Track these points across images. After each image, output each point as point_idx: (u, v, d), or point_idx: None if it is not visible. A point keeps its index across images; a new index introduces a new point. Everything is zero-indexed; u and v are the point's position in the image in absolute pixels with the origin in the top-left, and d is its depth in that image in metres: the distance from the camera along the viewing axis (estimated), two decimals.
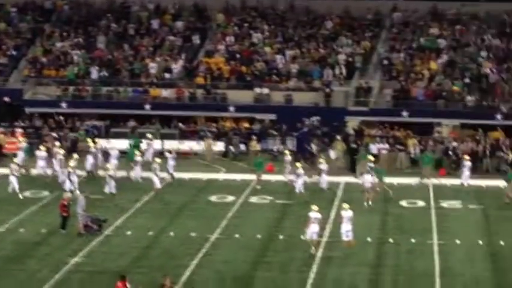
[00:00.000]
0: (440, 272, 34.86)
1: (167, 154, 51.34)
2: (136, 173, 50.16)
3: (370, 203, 44.64)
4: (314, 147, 55.30)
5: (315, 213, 36.23)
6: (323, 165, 49.15)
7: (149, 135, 55.78)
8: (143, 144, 55.21)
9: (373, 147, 54.96)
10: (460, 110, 59.77)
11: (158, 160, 48.94)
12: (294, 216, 42.41)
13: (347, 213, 37.00)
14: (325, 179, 48.70)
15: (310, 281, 32.24)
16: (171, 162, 49.84)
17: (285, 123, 59.49)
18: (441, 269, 35.18)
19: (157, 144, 56.38)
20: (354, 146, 54.52)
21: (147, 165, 50.11)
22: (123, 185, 48.32)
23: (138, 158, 50.51)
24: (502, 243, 38.79)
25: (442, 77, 62.16)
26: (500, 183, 48.75)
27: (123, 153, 53.20)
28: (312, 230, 36.37)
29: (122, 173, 50.26)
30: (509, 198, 45.89)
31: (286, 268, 34.50)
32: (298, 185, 47.03)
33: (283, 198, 46.73)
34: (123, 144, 55.62)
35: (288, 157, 50.80)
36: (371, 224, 41.71)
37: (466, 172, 50.15)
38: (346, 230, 36.27)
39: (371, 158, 49.83)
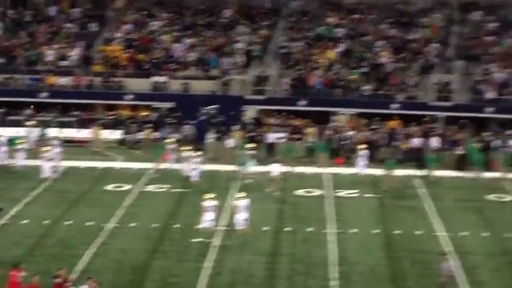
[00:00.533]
0: (337, 260, 34.97)
1: (54, 142, 50.86)
2: (18, 160, 49.71)
3: (275, 192, 44.80)
4: (211, 136, 55.22)
5: (209, 202, 36.44)
6: (189, 154, 48.74)
7: (30, 123, 55.86)
8: (25, 132, 54.88)
9: (271, 136, 54.84)
10: (357, 99, 59.97)
11: (47, 148, 48.53)
12: (191, 204, 42.08)
13: (243, 201, 37.08)
14: (192, 168, 47.77)
15: (206, 269, 32.25)
16: (57, 150, 49.19)
17: (183, 111, 59.35)
18: (337, 258, 35.44)
19: (54, 132, 55.75)
20: (252, 134, 54.43)
21: (35, 153, 49.67)
22: (18, 173, 48.15)
23: (20, 146, 49.92)
24: (397, 231, 39.26)
25: (339, 66, 62.39)
26: (396, 172, 49.20)
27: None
28: (207, 218, 36.57)
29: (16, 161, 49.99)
30: (389, 186, 46.85)
31: (183, 257, 34.65)
32: (194, 174, 46.83)
33: (179, 186, 46.47)
34: (20, 132, 55.11)
35: (173, 145, 50.83)
36: (267, 213, 41.73)
37: (362, 161, 50.43)
38: (242, 219, 36.40)
39: (250, 146, 50.11)
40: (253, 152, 49.66)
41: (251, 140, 53.19)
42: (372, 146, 52.74)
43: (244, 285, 31.37)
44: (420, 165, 50.58)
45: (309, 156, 53.44)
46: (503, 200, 45.75)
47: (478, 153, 51.62)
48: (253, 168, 47.99)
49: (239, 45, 64.38)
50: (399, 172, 48.87)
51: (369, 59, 63.80)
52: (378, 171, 48.59)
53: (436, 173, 49.91)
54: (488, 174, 50.30)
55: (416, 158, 52.18)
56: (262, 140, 54.41)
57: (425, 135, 55.02)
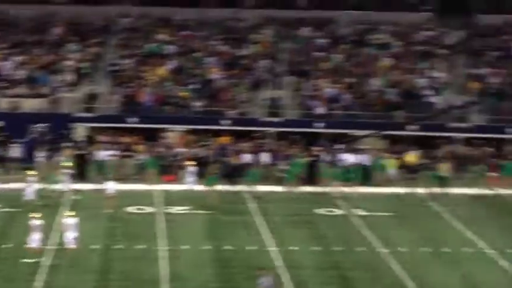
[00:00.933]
0: (169, 277, 35.05)
1: None
2: None
3: (109, 209, 44.53)
4: (41, 155, 54.42)
5: (36, 221, 36.12)
6: (30, 177, 47.54)
7: None
8: None
9: (102, 154, 54.32)
10: (188, 115, 60.16)
11: None
12: (23, 224, 40.67)
13: (71, 220, 36.86)
14: (32, 189, 46.79)
15: None
16: None
17: (12, 130, 57.78)
18: (169, 274, 35.40)
19: None
20: (82, 152, 53.93)
21: None
22: None
23: None
24: (229, 247, 39.47)
25: (170, 82, 62.73)
26: (231, 188, 50.25)
27: None
28: (35, 238, 36.18)
29: None
30: (211, 202, 46.97)
31: (13, 277, 34.00)
32: (28, 192, 45.86)
33: (8, 206, 45.23)
34: None
35: None
36: (98, 231, 41.37)
37: (191, 177, 50.38)
38: (72, 237, 36.08)
39: (66, 164, 49.74)
40: (69, 170, 49.01)
41: (80, 158, 52.74)
42: (201, 162, 52.87)
43: None
44: (246, 181, 50.97)
45: (140, 173, 53.34)
46: (333, 214, 46.37)
47: (298, 167, 52.60)
48: (62, 186, 47.59)
49: (69, 63, 63.59)
50: (227, 187, 49.71)
51: (200, 76, 64.05)
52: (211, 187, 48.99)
53: (264, 188, 50.38)
54: (318, 189, 50.95)
55: (245, 173, 52.61)
56: (91, 157, 53.82)
57: (256, 150, 55.47)
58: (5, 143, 56.62)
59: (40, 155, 54.47)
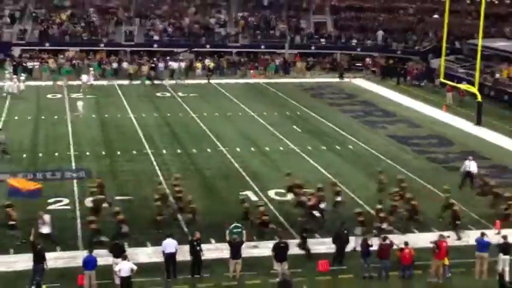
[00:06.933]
0: (71, 133, 34.24)
1: None
2: None
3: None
4: None
5: None
6: None
7: None
8: None
9: (29, 64, 51.20)
10: (76, 41, 56.61)
11: None
12: None
13: None
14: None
15: None
16: None
17: None
18: (72, 132, 34.54)
19: None
20: (18, 62, 50.42)
21: None
22: None
23: None
24: (106, 116, 38.78)
25: (68, 23, 58.64)
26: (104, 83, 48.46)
27: None
28: None
29: None
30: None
31: None
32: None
33: None
34: None
35: None
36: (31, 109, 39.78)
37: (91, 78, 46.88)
38: None
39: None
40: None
41: (16, 66, 49.04)
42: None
43: None
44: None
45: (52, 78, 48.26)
46: (165, 96, 45.56)
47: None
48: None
49: (6, 12, 58.88)
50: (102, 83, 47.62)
51: (84, 19, 59.77)
52: None
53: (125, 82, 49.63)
54: (157, 82, 48.95)
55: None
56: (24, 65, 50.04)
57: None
58: None
59: None
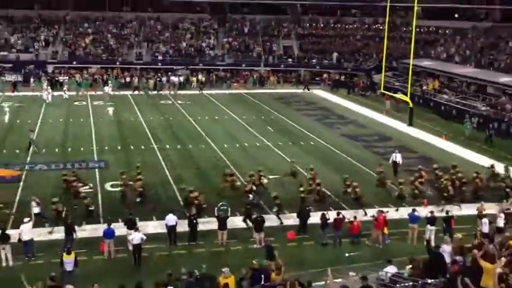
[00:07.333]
0: (94, 131, 33.94)
1: None
2: None
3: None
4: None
5: None
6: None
7: None
8: None
9: None
10: None
11: None
12: None
13: None
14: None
15: None
16: None
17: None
18: (94, 128, 34.50)
19: None
20: None
21: None
22: None
23: None
24: (122, 119, 37.85)
25: None
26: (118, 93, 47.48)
27: None
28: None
29: None
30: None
31: None
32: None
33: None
34: None
35: None
36: (62, 112, 39.21)
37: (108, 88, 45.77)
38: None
39: None
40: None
41: None
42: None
43: None
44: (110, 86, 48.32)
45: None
46: (167, 103, 44.39)
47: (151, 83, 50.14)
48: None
49: None
50: (116, 93, 46.67)
51: None
52: None
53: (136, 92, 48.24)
54: (161, 92, 48.64)
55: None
56: None
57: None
58: None
59: None
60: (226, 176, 24.49)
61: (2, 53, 54.00)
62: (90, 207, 21.09)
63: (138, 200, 22.45)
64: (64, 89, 45.18)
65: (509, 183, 24.13)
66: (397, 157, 27.22)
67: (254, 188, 23.02)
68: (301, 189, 22.63)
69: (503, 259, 11.70)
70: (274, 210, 21.48)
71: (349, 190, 23.33)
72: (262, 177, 24.10)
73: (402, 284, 12.58)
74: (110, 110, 39.28)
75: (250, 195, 22.66)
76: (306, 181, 24.36)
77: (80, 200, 21.85)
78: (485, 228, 18.89)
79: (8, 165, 26.88)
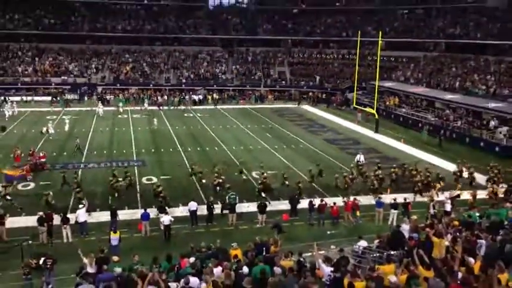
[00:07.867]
0: (134, 138, 32.70)
1: None
2: None
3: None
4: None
5: None
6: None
7: None
8: None
9: None
10: None
11: None
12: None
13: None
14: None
15: None
16: None
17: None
18: (134, 138, 32.80)
19: None
20: None
21: None
22: None
23: None
24: (155, 128, 36.36)
25: None
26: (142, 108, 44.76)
27: None
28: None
29: None
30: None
31: None
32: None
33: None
34: None
35: None
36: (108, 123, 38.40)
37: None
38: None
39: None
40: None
41: None
42: None
43: None
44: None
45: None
46: (190, 116, 43.04)
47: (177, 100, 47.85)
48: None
49: None
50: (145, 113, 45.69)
51: None
52: None
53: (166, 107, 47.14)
54: (182, 107, 46.83)
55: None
56: None
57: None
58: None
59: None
60: (197, 172, 23.58)
61: (62, 77, 54.26)
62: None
63: (218, 189, 21.84)
64: (99, 106, 41.82)
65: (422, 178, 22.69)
66: (361, 158, 26.67)
67: (220, 181, 22.17)
68: (286, 182, 22.45)
69: (449, 236, 11.78)
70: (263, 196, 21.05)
71: (339, 183, 22.92)
72: (242, 173, 23.31)
73: (371, 255, 12.52)
74: (155, 120, 38.86)
75: (218, 188, 21.93)
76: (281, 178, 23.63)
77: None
78: (432, 211, 18.82)
79: (67, 165, 26.72)
